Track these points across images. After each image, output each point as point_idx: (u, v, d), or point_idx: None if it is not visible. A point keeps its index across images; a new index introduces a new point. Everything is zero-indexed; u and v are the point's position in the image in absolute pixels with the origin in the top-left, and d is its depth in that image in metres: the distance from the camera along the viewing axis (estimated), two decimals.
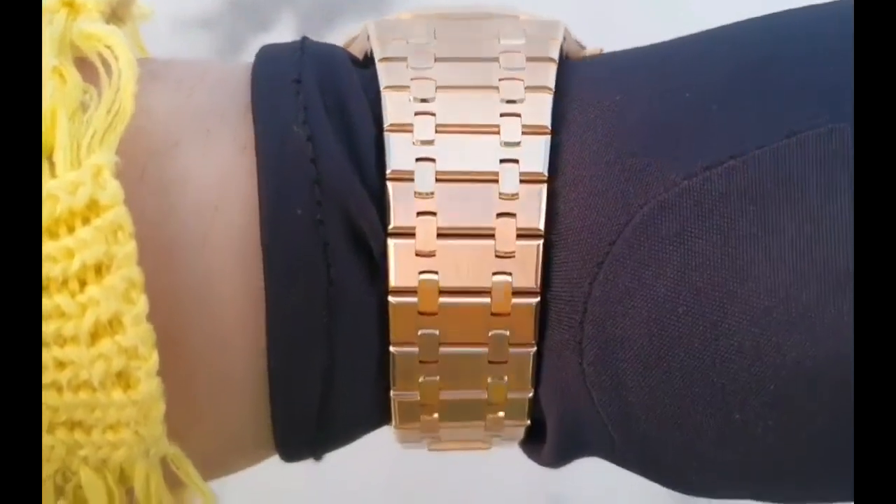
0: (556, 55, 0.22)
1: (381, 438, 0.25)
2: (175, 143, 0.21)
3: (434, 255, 0.21)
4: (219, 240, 0.20)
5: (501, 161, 0.21)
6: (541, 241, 0.21)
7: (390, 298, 0.21)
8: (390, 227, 0.21)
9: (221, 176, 0.21)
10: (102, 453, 0.20)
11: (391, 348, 0.21)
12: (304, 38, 0.23)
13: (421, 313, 0.21)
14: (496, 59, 0.21)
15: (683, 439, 0.21)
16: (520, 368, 0.21)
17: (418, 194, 0.21)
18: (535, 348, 0.21)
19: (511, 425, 0.22)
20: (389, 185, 0.21)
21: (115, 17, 0.23)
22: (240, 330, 0.21)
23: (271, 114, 0.21)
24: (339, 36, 0.24)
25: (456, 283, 0.21)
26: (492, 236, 0.21)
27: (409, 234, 0.21)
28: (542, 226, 0.21)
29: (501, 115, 0.21)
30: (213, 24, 0.46)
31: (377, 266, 0.21)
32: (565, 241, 0.21)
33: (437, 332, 0.21)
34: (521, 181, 0.21)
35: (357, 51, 0.23)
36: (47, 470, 0.21)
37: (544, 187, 0.21)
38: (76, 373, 0.19)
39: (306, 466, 0.24)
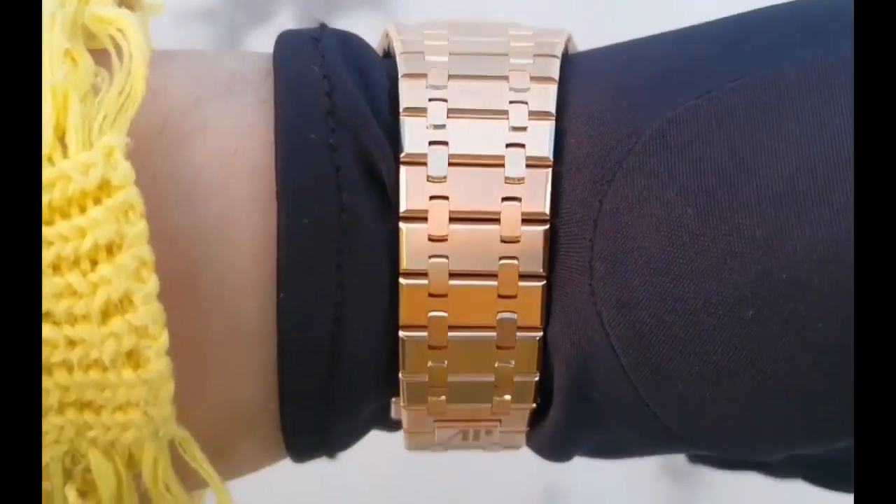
0: (559, 52, 0.22)
1: (379, 438, 0.25)
2: (196, 100, 0.21)
3: (446, 240, 0.21)
4: (237, 184, 0.21)
5: (508, 146, 0.21)
6: (546, 226, 0.21)
7: (401, 280, 0.21)
8: (403, 154, 0.21)
9: (241, 125, 0.21)
10: (111, 435, 0.20)
11: (400, 333, 0.21)
12: (324, 23, 0.23)
13: (431, 295, 0.21)
14: (506, 55, 0.22)
15: (696, 352, 0.20)
16: (529, 303, 0.21)
17: (431, 178, 0.21)
18: (541, 333, 0.22)
19: (517, 409, 0.22)
20: (403, 168, 0.21)
21: (125, 5, 0.23)
22: (255, 273, 0.21)
23: (291, 57, 0.22)
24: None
25: (465, 266, 0.21)
26: (501, 165, 0.21)
27: (421, 161, 0.21)
28: (547, 210, 0.21)
29: (510, 102, 0.21)
30: (213, 16, 0.46)
31: (388, 198, 0.21)
32: (575, 167, 0.21)
33: (447, 261, 0.21)
34: (528, 165, 0.21)
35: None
36: (56, 451, 0.21)
37: (549, 171, 0.21)
38: (87, 351, 0.19)
39: (305, 468, 0.25)
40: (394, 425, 0.24)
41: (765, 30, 0.22)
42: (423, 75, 0.21)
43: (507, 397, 0.22)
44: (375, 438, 0.25)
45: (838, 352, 0.20)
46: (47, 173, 0.19)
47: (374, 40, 0.24)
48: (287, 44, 0.22)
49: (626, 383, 0.21)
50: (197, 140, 0.21)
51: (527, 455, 0.26)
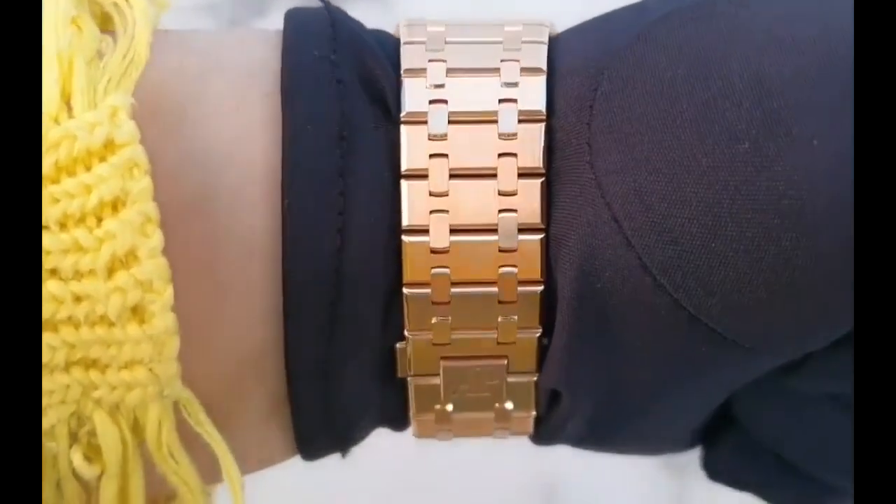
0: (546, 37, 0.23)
1: (378, 434, 0.25)
2: (209, 48, 0.22)
3: (447, 195, 0.21)
4: (250, 109, 0.22)
5: (503, 60, 0.22)
6: (542, 179, 0.22)
7: (403, 237, 0.21)
8: (403, 113, 0.22)
9: (254, 62, 0.22)
10: (116, 395, 0.20)
11: (404, 289, 0.22)
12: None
13: (431, 194, 0.21)
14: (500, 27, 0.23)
15: (697, 199, 0.20)
16: (530, 200, 0.22)
17: (432, 136, 0.21)
18: (543, 177, 0.22)
19: (524, 336, 0.22)
20: (403, 128, 0.22)
21: None
22: (265, 190, 0.21)
23: (300, 9, 0.23)
24: None
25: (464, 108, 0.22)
26: (497, 72, 0.22)
27: (421, 121, 0.22)
28: (542, 165, 0.21)
29: (504, 30, 0.22)
30: (213, 9, 0.47)
31: (388, 109, 0.22)
32: (570, 72, 0.22)
33: (447, 159, 0.21)
34: (520, 121, 0.22)
35: None
36: (62, 413, 0.21)
37: (543, 78, 0.22)
38: (93, 307, 0.20)
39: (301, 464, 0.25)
40: (401, 419, 0.25)
41: None
42: (423, 24, 0.23)
43: (514, 317, 0.22)
44: (374, 435, 0.25)
45: (838, 163, 0.20)
46: (53, 133, 0.20)
47: None
48: (294, 11, 0.23)
49: (631, 255, 0.21)
50: (212, 76, 0.22)
51: (525, 449, 0.26)
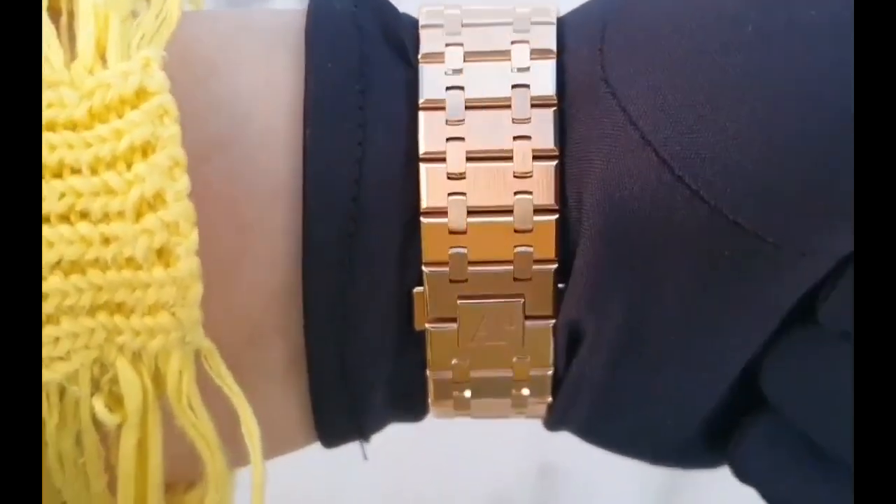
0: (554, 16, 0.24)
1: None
2: (238, 15, 0.24)
3: (463, 178, 0.22)
4: (276, 56, 0.23)
5: (514, 86, 0.22)
6: (556, 162, 0.22)
7: (422, 219, 0.22)
8: (420, 54, 0.23)
9: (279, 22, 0.23)
10: (140, 341, 0.21)
11: (424, 268, 0.22)
12: None
13: (448, 122, 0.22)
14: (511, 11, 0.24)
15: (709, 85, 0.21)
16: (544, 234, 0.22)
17: (449, 121, 0.22)
18: (556, 265, 0.22)
19: (540, 269, 0.23)
20: (421, 114, 0.22)
21: None
22: (291, 131, 0.22)
23: None
24: None
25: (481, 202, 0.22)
26: (510, 158, 0.22)
27: (438, 61, 0.23)
28: (555, 146, 0.22)
29: (512, 42, 0.23)
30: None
31: (408, 56, 0.23)
32: (579, 21, 0.23)
33: (463, 142, 0.22)
34: (533, 105, 0.22)
35: None
36: (86, 358, 0.21)
37: (553, 26, 0.23)
38: (120, 248, 0.20)
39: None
40: (419, 408, 0.25)
41: None
42: (440, 25, 0.23)
43: (530, 248, 0.22)
44: None
45: (838, 30, 0.20)
46: (88, 82, 0.20)
47: None
48: None
49: (649, 152, 0.21)
50: (242, 33, 0.23)
51: (521, 433, 0.26)
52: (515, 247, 0.22)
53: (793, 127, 0.20)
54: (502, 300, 0.23)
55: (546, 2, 0.24)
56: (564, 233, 0.22)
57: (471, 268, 0.22)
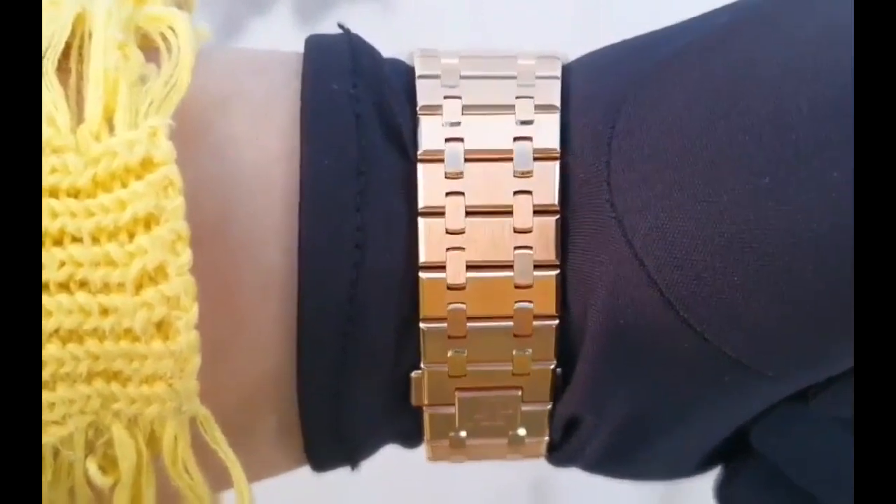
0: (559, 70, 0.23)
1: None
2: (231, 71, 0.22)
3: (463, 233, 0.21)
4: (267, 141, 0.22)
5: (517, 97, 0.22)
6: (557, 216, 0.21)
7: (421, 274, 0.21)
8: (420, 151, 0.22)
9: (272, 92, 0.22)
10: (136, 408, 0.20)
11: (421, 325, 0.22)
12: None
13: (448, 231, 0.21)
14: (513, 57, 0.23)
15: (717, 230, 0.20)
16: (545, 237, 0.22)
17: (448, 175, 0.21)
18: (557, 321, 0.22)
19: (538, 368, 0.22)
20: (420, 166, 0.22)
21: (177, 5, 0.23)
22: (284, 221, 0.21)
23: (320, 36, 0.23)
24: (335, 19, 0.25)
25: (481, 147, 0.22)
26: (512, 112, 0.22)
27: (436, 111, 0.22)
28: (557, 203, 0.21)
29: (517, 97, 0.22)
30: (211, 4, 0.46)
31: (405, 146, 0.22)
32: (584, 108, 0.22)
33: (462, 199, 0.21)
34: (535, 158, 0.22)
35: None
36: (81, 422, 0.20)
37: (557, 114, 0.22)
38: (119, 320, 0.19)
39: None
40: (413, 436, 0.24)
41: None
42: (436, 56, 0.23)
43: (528, 351, 0.22)
44: None
45: (847, 186, 0.20)
46: (94, 149, 0.20)
47: (373, 33, 0.25)
48: (315, 37, 0.24)
49: (653, 292, 0.21)
50: (232, 104, 0.22)
51: None
52: (515, 302, 0.22)
53: (799, 284, 0.20)
54: (500, 391, 0.22)
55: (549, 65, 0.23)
56: (564, 334, 0.22)
57: (470, 323, 0.22)
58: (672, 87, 0.21)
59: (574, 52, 0.24)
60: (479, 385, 0.22)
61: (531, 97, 0.22)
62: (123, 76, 0.20)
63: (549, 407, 0.23)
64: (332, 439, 0.23)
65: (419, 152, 0.21)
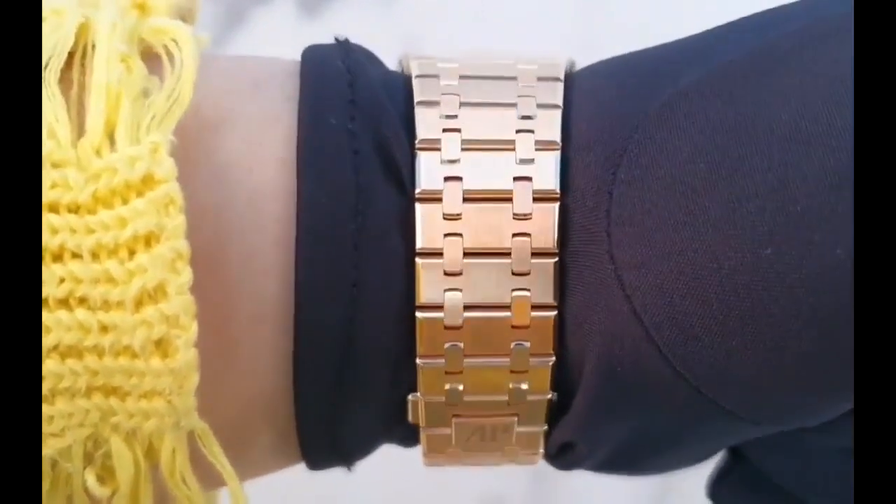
0: (562, 65, 0.22)
1: None
2: (226, 91, 0.22)
3: (458, 162, 0.21)
4: (262, 172, 0.21)
5: (518, 132, 0.21)
6: (556, 259, 0.21)
7: (417, 314, 0.21)
8: (417, 141, 0.21)
9: (267, 117, 0.21)
10: (134, 422, 0.20)
11: (418, 360, 0.21)
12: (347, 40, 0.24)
13: (446, 273, 0.21)
14: (514, 78, 0.22)
15: (718, 300, 0.20)
16: (543, 276, 0.21)
17: (445, 161, 0.21)
18: (553, 358, 0.21)
19: (534, 399, 0.22)
20: (418, 206, 0.21)
21: (180, 17, 0.23)
22: (278, 255, 0.21)
23: (317, 53, 0.22)
24: (337, 9, 0.24)
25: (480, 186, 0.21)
26: (512, 149, 0.21)
27: (435, 147, 0.21)
28: (557, 188, 0.21)
29: (519, 96, 0.22)
30: None
31: (403, 182, 0.21)
32: (584, 146, 0.21)
33: (460, 239, 0.21)
34: (535, 199, 0.21)
35: None
36: (80, 435, 0.20)
37: (557, 153, 0.21)
38: (118, 337, 0.19)
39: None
40: (410, 439, 0.24)
41: (756, 17, 0.22)
42: (436, 76, 0.22)
43: (524, 386, 0.22)
44: None
45: (846, 272, 0.19)
46: (95, 165, 0.19)
47: (373, 32, 0.24)
48: (313, 49, 0.23)
49: (652, 348, 0.21)
50: (227, 128, 0.21)
51: None
52: (513, 342, 0.21)
53: (799, 354, 0.20)
54: (497, 418, 0.22)
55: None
56: (561, 367, 0.22)
57: (467, 360, 0.21)
58: (676, 136, 0.21)
59: (574, 45, 0.24)
60: (475, 413, 0.22)
61: (531, 131, 0.21)
62: (126, 89, 0.20)
63: (545, 429, 0.23)
64: (329, 451, 0.23)
65: (417, 191, 0.21)
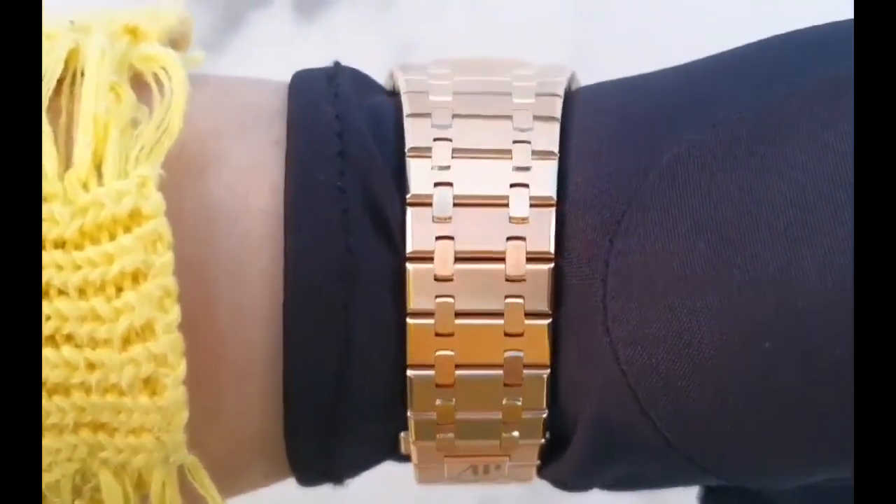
0: (561, 91, 0.21)
1: None
2: (212, 131, 0.21)
3: (451, 280, 0.20)
4: (248, 224, 0.20)
5: (512, 185, 0.20)
6: (552, 265, 0.20)
7: (409, 372, 0.20)
8: (409, 196, 0.20)
9: (253, 163, 0.21)
10: (123, 457, 0.20)
11: (408, 371, 0.21)
12: (338, 62, 0.23)
13: (437, 334, 0.20)
14: (509, 94, 0.21)
15: (715, 386, 0.20)
16: (536, 339, 0.20)
17: (437, 219, 0.20)
18: (550, 319, 0.20)
19: (526, 444, 0.22)
20: (409, 210, 0.20)
21: (174, 46, 0.22)
22: (265, 307, 0.20)
23: (305, 98, 0.21)
24: (334, 13, 0.23)
25: (471, 306, 0.20)
26: (506, 204, 0.20)
27: (426, 202, 0.20)
28: (552, 249, 0.20)
29: (514, 142, 0.21)
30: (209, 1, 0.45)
31: (394, 239, 0.20)
32: (582, 207, 0.20)
33: (452, 300, 0.20)
34: (532, 205, 0.20)
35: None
36: (68, 469, 0.20)
37: (553, 211, 0.20)
38: (106, 375, 0.19)
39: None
40: (404, 457, 0.24)
41: (766, 57, 0.21)
42: (428, 115, 0.21)
43: (516, 434, 0.21)
44: None
45: (848, 370, 0.19)
46: (81, 199, 0.19)
47: (369, 36, 0.23)
48: (301, 82, 0.22)
49: (646, 420, 0.20)
50: (211, 175, 0.20)
51: None
52: (504, 398, 0.21)
53: (793, 441, 0.20)
54: (489, 458, 0.22)
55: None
56: (554, 421, 0.21)
57: (458, 414, 0.21)
58: (675, 206, 0.20)
59: (572, 48, 0.23)
60: (467, 454, 0.22)
61: (526, 185, 0.20)
62: (114, 120, 0.19)
63: (538, 464, 0.22)
64: (321, 476, 0.23)
65: (408, 252, 0.20)
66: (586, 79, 0.23)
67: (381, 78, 0.24)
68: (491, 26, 0.46)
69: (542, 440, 0.22)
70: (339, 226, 0.20)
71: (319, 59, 0.23)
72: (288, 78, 0.23)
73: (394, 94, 0.22)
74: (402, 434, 0.22)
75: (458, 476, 0.22)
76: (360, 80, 0.22)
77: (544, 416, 0.21)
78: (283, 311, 0.20)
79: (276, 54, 0.44)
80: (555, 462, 0.22)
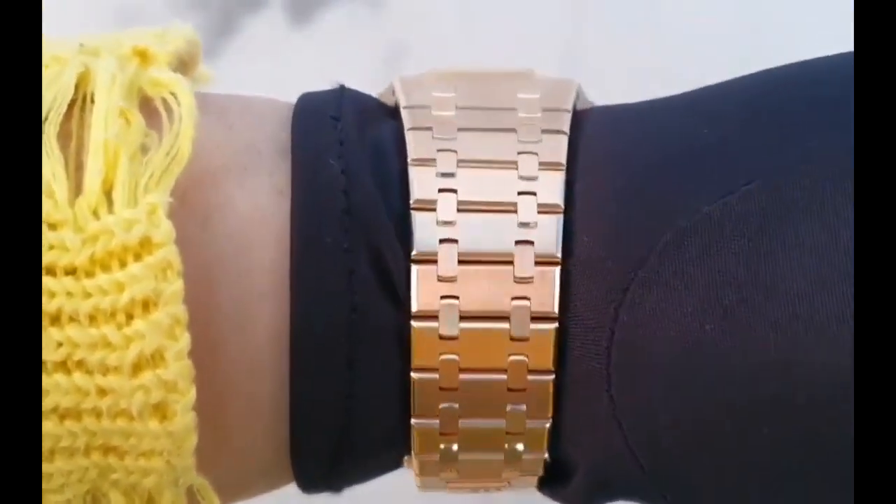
0: (569, 106, 0.21)
1: None
2: (214, 174, 0.20)
3: (455, 280, 0.20)
4: (252, 278, 0.20)
5: (517, 243, 0.20)
6: (558, 268, 0.20)
7: (413, 323, 0.20)
8: (413, 253, 0.20)
9: (256, 213, 0.20)
10: (133, 479, 0.20)
11: (412, 374, 0.21)
12: (343, 86, 0.22)
13: (442, 338, 0.20)
14: (514, 109, 0.21)
15: (715, 465, 0.20)
16: (539, 397, 0.20)
17: (441, 278, 0.20)
18: (553, 376, 0.20)
19: (529, 458, 0.22)
20: (414, 214, 0.20)
21: (182, 68, 0.22)
22: (271, 354, 0.20)
23: (309, 147, 0.21)
24: (328, 17, 0.23)
25: (476, 307, 0.20)
26: (510, 262, 0.20)
27: (431, 260, 0.20)
28: (559, 254, 0.20)
29: (518, 193, 0.20)
30: (206, 3, 0.45)
31: (398, 295, 0.20)
32: (588, 270, 0.20)
33: (457, 358, 0.20)
34: (537, 263, 0.20)
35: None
36: (79, 490, 0.20)
37: (557, 270, 0.20)
38: (116, 401, 0.19)
39: None
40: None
41: (779, 112, 0.20)
42: (433, 161, 0.20)
43: (520, 447, 0.21)
44: None
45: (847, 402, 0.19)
46: (92, 226, 0.19)
47: (362, 39, 0.23)
48: (305, 118, 0.21)
49: (645, 479, 0.21)
50: (214, 222, 0.20)
51: None
52: (505, 443, 0.21)
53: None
54: (489, 482, 0.22)
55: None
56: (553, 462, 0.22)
57: (462, 455, 0.21)
58: (683, 282, 0.19)
59: (562, 50, 0.22)
60: (471, 478, 0.22)
61: (531, 243, 0.20)
62: (124, 147, 0.19)
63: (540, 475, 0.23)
64: (326, 490, 0.23)
65: (413, 311, 0.20)
66: (577, 79, 0.23)
67: (374, 81, 0.24)
68: (483, 28, 0.46)
69: (545, 455, 0.22)
70: (345, 286, 0.20)
71: (312, 64, 0.23)
72: (283, 81, 0.22)
73: (396, 112, 0.22)
74: (406, 458, 0.22)
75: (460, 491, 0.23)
76: (362, 108, 0.22)
77: (547, 426, 0.21)
78: (289, 370, 0.20)
79: (269, 58, 0.44)
80: (556, 492, 0.22)
